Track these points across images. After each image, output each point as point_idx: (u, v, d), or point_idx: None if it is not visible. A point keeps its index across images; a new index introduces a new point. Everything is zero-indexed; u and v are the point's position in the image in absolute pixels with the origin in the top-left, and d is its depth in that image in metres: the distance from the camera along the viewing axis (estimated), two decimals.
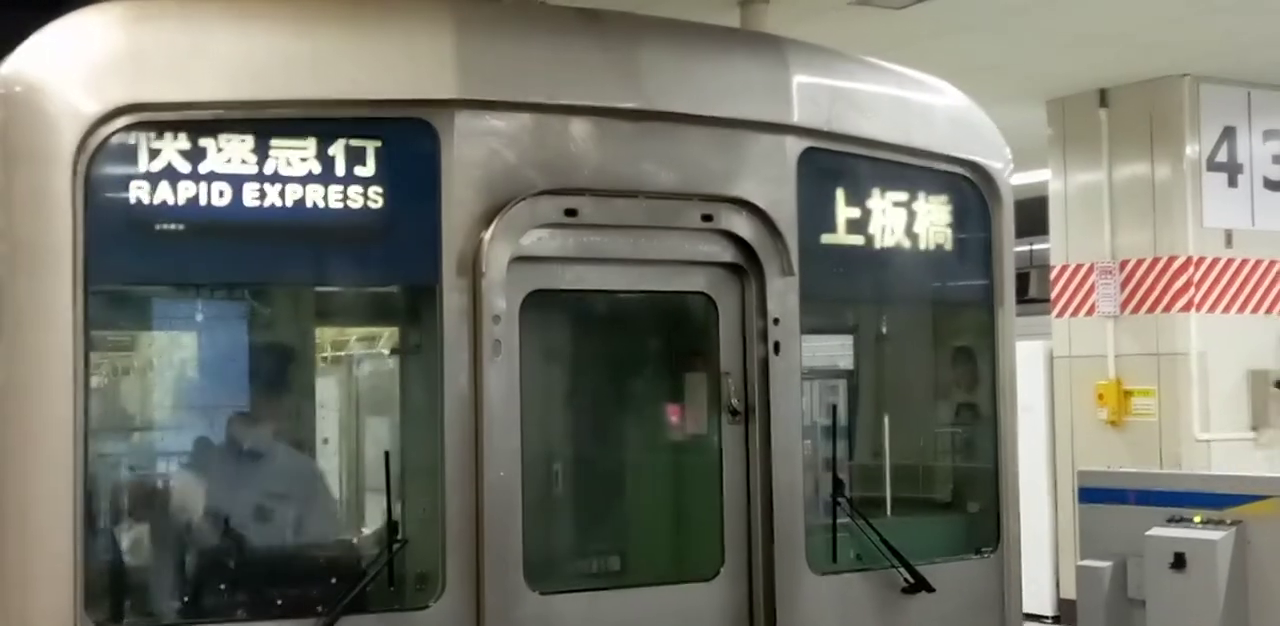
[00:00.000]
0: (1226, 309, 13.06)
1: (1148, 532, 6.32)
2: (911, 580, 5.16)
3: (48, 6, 4.41)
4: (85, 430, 4.04)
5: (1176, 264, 12.93)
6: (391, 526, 4.36)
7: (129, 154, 4.14)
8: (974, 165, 5.64)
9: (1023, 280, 13.63)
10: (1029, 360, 11.68)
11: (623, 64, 4.77)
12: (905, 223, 5.48)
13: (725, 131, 4.92)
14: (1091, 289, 13.45)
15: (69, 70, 4.17)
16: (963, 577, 5.42)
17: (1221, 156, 13.11)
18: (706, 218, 4.87)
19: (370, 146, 4.38)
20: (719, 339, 4.98)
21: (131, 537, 4.49)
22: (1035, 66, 12.52)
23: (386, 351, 5.24)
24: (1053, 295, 13.90)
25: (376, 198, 4.40)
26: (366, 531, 4.83)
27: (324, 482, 5.18)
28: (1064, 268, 13.84)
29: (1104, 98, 13.33)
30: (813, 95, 5.12)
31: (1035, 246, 15.53)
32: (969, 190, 5.65)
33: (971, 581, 5.47)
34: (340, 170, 4.35)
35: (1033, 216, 12.33)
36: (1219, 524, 6.20)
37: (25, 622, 3.99)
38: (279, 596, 4.37)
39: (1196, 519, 6.30)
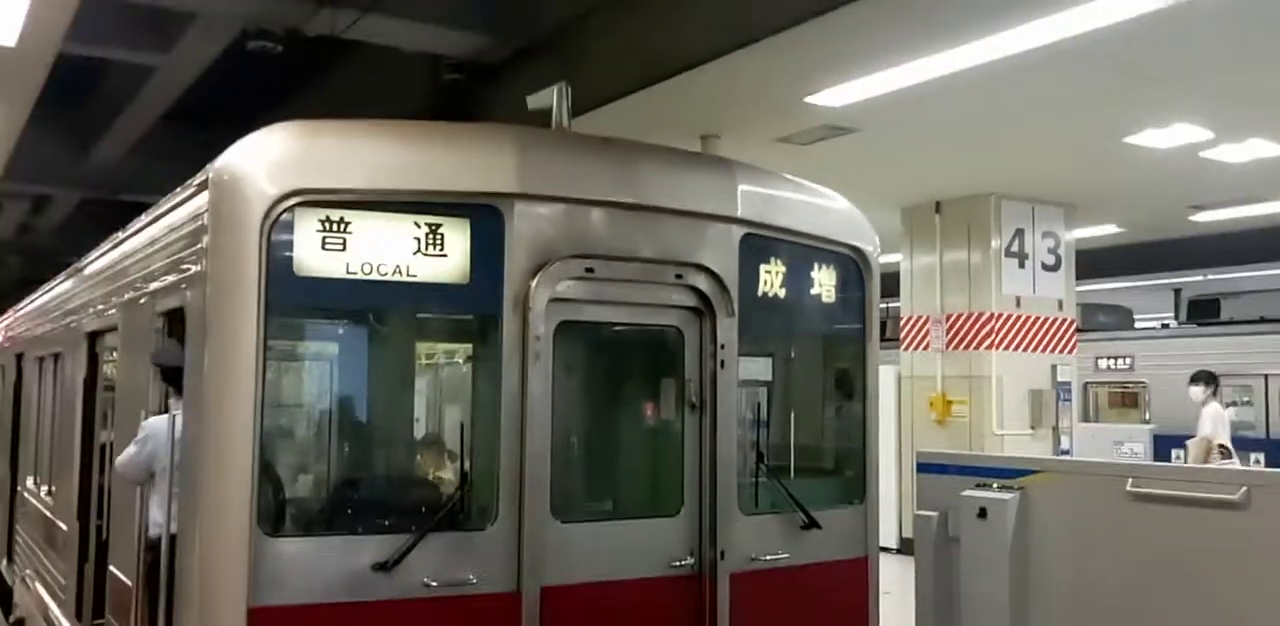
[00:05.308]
0: (1016, 348, 13.13)
1: (962, 493, 6.26)
2: (807, 520, 5.11)
3: (240, 119, 4.39)
4: (261, 407, 3.98)
5: (984, 318, 12.99)
6: (463, 475, 4.31)
7: (296, 223, 4.09)
8: (855, 248, 5.61)
9: (882, 326, 13.74)
10: (885, 377, 11.72)
11: (626, 173, 4.74)
12: (809, 284, 5.44)
13: (693, 220, 4.88)
14: (927, 332, 13.50)
15: (259, 165, 4.12)
16: (840, 520, 5.36)
17: (1015, 248, 13.22)
18: (678, 276, 4.82)
19: (460, 222, 4.35)
20: (685, 357, 4.92)
21: (288, 479, 4.43)
22: (893, 186, 12.65)
23: (463, 359, 5.21)
24: (901, 336, 13.94)
25: (463, 256, 4.35)
26: (446, 478, 4.77)
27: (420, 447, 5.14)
28: (909, 318, 13.89)
29: (938, 207, 13.45)
30: (750, 198, 5.08)
31: (890, 304, 15.56)
32: (851, 265, 5.61)
33: (846, 522, 5.40)
34: (440, 237, 4.30)
35: (889, 285, 12.41)
36: (1009, 489, 6.14)
37: (224, 532, 3.93)
38: (386, 519, 4.33)
39: (994, 485, 6.23)
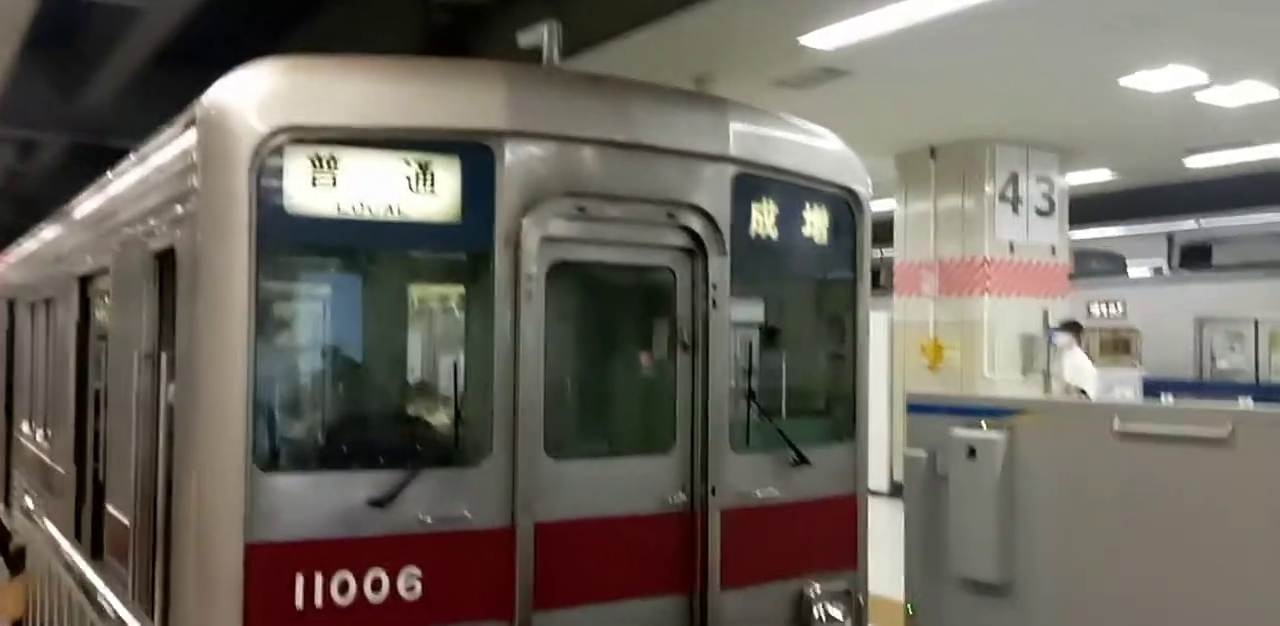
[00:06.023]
0: (1008, 293, 13.17)
1: (951, 432, 6.30)
2: (796, 457, 5.15)
3: (231, 62, 4.34)
4: (254, 347, 4.00)
5: (977, 263, 13.01)
6: (457, 413, 4.33)
7: (286, 160, 4.05)
8: (848, 189, 5.58)
9: (875, 272, 13.75)
10: (877, 324, 11.76)
11: (618, 111, 4.70)
12: (801, 224, 5.42)
13: (686, 159, 4.85)
14: (920, 278, 13.51)
15: (247, 102, 4.08)
16: (830, 458, 5.40)
17: (1008, 193, 13.20)
18: (671, 216, 4.81)
19: (450, 160, 4.31)
20: (677, 297, 4.93)
21: (282, 416, 4.44)
22: (888, 131, 12.59)
23: (456, 297, 5.20)
24: (895, 282, 13.96)
25: (454, 195, 4.33)
26: (440, 414, 4.79)
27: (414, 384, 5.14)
28: (903, 264, 13.91)
29: (933, 153, 13.39)
30: (743, 137, 5.05)
31: (884, 251, 15.59)
32: (843, 205, 5.58)
33: (835, 460, 5.45)
34: (430, 175, 4.28)
35: (883, 232, 12.41)
36: (997, 428, 6.18)
37: (221, 469, 3.96)
38: (381, 455, 4.35)
39: (983, 425, 6.26)
